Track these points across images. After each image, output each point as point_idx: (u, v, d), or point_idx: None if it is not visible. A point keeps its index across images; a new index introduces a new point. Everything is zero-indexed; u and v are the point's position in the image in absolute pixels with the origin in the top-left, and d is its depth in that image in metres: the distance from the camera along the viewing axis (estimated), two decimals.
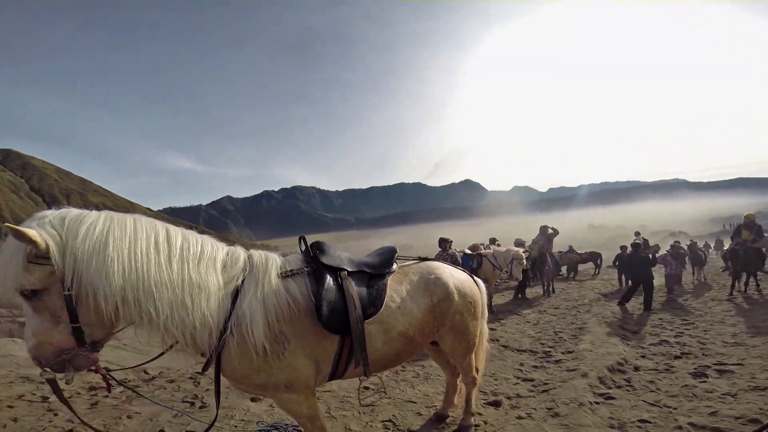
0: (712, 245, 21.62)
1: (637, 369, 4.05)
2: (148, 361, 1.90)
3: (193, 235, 1.76)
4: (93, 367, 1.56)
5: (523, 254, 7.85)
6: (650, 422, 2.78)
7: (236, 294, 1.72)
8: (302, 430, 2.74)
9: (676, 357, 4.38)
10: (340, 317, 1.82)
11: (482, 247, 9.08)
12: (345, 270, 1.99)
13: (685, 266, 11.10)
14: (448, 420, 2.85)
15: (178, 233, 1.69)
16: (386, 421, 2.90)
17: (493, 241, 11.53)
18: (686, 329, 5.67)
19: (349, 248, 2.47)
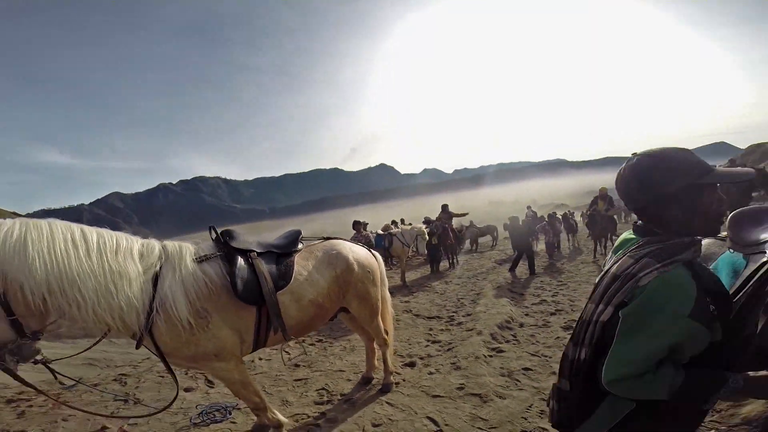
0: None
1: (521, 326, 4.81)
2: (88, 348, 2.06)
3: (107, 232, 1.97)
4: (38, 357, 1.73)
5: (425, 230, 8.81)
6: (532, 369, 3.42)
7: (156, 279, 1.96)
8: (240, 408, 3.03)
9: (552, 314, 5.23)
10: (253, 290, 2.16)
11: (392, 227, 9.91)
12: (254, 251, 2.32)
13: (559, 235, 13.18)
14: (373, 382, 3.33)
15: (92, 231, 1.91)
16: (320, 389, 3.30)
17: (394, 222, 12.49)
18: (560, 289, 6.75)
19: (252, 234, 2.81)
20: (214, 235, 2.33)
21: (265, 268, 2.26)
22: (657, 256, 1.05)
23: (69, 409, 3.25)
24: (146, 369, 4.31)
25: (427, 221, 11.24)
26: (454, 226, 12.66)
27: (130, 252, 1.94)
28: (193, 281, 2.02)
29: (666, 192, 1.09)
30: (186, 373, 3.88)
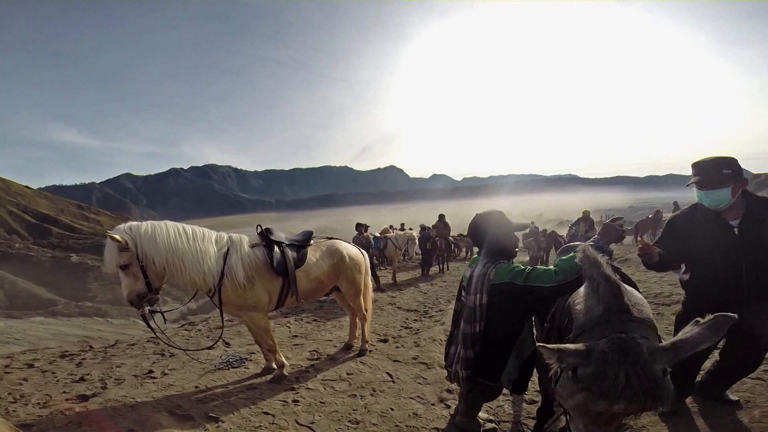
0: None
1: None
2: (186, 303, 3.17)
3: (197, 227, 3.12)
4: (157, 305, 2.85)
5: (416, 236, 9.90)
6: None
7: (225, 256, 3.09)
8: (251, 360, 4.08)
9: None
10: (282, 267, 3.30)
11: (390, 230, 11.00)
12: (284, 243, 3.47)
13: (549, 250, 14.10)
14: (353, 348, 4.36)
15: (188, 227, 3.04)
16: (312, 351, 4.35)
17: (392, 227, 13.56)
18: None
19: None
20: (259, 230, 3.50)
21: (290, 254, 3.41)
22: (492, 263, 2.14)
23: (121, 358, 4.32)
24: (172, 334, 5.38)
25: (422, 227, 12.27)
26: (450, 235, 13.67)
27: (210, 239, 3.09)
28: (248, 259, 3.17)
29: (487, 235, 2.16)
30: (208, 337, 4.94)
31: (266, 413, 2.90)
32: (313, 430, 2.72)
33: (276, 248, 3.36)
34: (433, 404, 3.21)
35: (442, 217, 13.01)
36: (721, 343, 2.33)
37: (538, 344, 1.30)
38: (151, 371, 3.85)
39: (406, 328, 5.48)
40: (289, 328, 5.39)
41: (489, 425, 2.70)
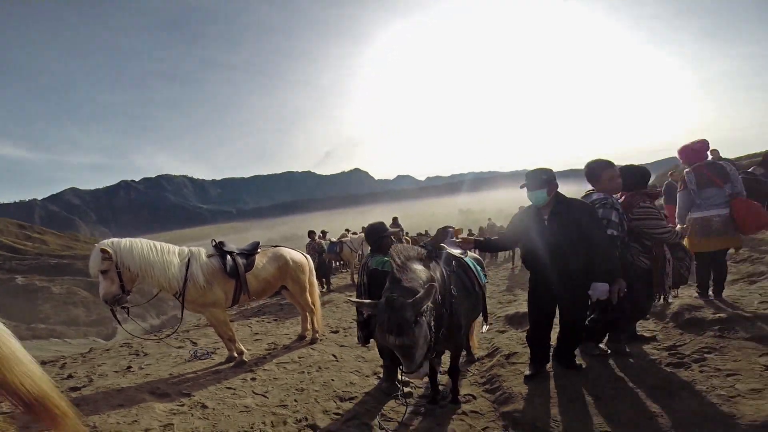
0: None
1: None
2: (150, 299, 3.85)
3: (165, 244, 3.83)
4: (126, 303, 3.51)
5: None
6: None
7: (187, 265, 3.80)
8: (216, 353, 4.74)
9: None
10: (235, 271, 4.04)
11: (347, 234, 11.83)
12: (235, 252, 4.21)
13: None
14: (306, 339, 5.10)
15: (158, 243, 3.76)
16: (270, 343, 5.07)
17: (351, 230, 14.47)
18: None
19: (229, 241, 4.55)
20: (214, 243, 4.22)
21: (240, 260, 4.16)
22: (372, 256, 3.09)
23: (100, 360, 4.85)
24: (140, 341, 5.89)
25: None
26: (408, 235, 14.78)
27: (174, 252, 3.80)
28: (206, 266, 3.90)
29: (374, 239, 3.08)
30: (177, 338, 5.52)
31: (229, 388, 3.63)
32: (266, 396, 3.47)
33: (228, 257, 4.10)
34: (367, 376, 4.04)
35: (395, 219, 14.08)
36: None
37: (347, 298, 2.22)
38: (129, 367, 4.44)
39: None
40: (250, 327, 6.08)
41: (406, 389, 3.48)
